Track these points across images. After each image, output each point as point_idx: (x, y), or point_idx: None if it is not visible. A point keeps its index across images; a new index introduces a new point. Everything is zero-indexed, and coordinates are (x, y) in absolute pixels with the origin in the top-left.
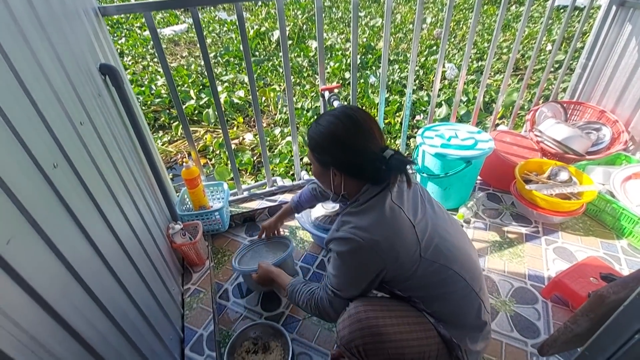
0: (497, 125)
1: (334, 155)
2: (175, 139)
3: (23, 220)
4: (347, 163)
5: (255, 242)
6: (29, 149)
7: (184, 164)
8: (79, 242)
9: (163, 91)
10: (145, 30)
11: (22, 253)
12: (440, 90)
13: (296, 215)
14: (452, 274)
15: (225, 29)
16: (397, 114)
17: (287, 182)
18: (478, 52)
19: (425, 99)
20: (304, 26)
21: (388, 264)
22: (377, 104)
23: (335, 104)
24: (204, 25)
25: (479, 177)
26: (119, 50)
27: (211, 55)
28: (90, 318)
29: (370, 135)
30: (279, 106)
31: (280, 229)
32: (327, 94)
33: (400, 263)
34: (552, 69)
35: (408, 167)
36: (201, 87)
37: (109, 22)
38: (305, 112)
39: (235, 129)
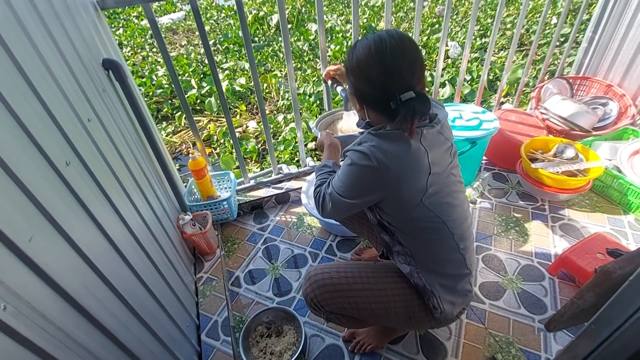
0: (502, 103)
1: (351, 78)
2: (179, 129)
3: (42, 218)
4: (359, 90)
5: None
6: (42, 148)
7: (190, 155)
8: (96, 237)
9: (164, 81)
10: (142, 19)
11: (44, 250)
12: (443, 69)
13: (303, 202)
14: (442, 226)
15: (223, 15)
16: None
17: (293, 168)
18: (481, 28)
19: (428, 79)
20: (303, 9)
21: (388, 193)
22: None
23: (339, 89)
24: (201, 12)
25: (484, 157)
26: (117, 42)
27: (210, 42)
28: (111, 309)
29: (393, 72)
30: (281, 92)
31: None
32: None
33: (399, 199)
34: (557, 43)
35: (421, 116)
36: (202, 75)
37: (106, 12)
38: (307, 97)
39: (238, 117)
